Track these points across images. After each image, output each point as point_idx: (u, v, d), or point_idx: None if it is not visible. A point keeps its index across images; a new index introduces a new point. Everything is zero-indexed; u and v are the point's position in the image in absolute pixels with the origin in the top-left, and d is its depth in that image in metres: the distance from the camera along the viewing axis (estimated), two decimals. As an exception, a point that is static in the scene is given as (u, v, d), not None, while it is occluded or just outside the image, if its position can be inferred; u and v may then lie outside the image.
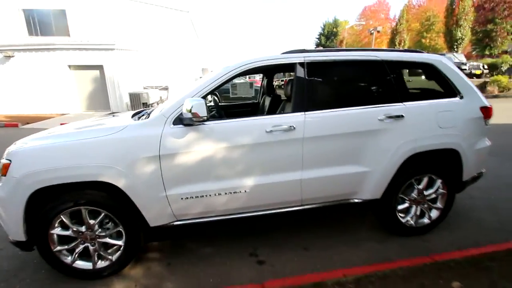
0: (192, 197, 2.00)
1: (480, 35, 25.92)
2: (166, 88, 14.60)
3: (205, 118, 1.85)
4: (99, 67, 13.03)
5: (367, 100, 2.25)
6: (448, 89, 2.42)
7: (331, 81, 2.30)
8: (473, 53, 28.50)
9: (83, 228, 1.97)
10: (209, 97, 3.54)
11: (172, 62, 16.45)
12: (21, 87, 12.61)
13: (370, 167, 2.23)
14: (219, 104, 3.95)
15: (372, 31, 23.15)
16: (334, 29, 40.74)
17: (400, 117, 2.20)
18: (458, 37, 21.48)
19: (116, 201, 1.93)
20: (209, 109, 2.63)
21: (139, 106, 11.93)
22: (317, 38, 42.65)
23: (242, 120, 2.05)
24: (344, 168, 2.20)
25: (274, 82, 3.71)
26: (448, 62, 2.45)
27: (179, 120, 1.93)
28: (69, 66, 12.91)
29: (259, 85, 4.55)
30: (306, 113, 2.10)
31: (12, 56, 12.37)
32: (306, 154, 2.10)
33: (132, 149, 1.86)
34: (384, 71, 2.26)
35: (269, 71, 3.48)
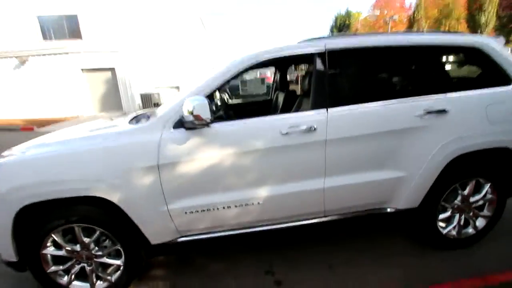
0: (198, 211, 1.74)
1: (504, 20, 24.25)
2: (177, 87, 14.51)
3: (209, 120, 1.57)
4: (111, 69, 13.12)
5: (401, 92, 1.90)
6: (498, 76, 2.01)
7: (358, 71, 1.96)
8: (497, 39, 26.70)
9: (77, 247, 1.75)
10: (217, 94, 3.28)
11: (182, 61, 16.32)
12: (36, 91, 12.87)
13: (406, 172, 1.89)
14: (229, 102, 3.68)
15: (388, 20, 22.12)
16: (347, 21, 39.49)
17: (442, 112, 1.84)
18: (482, 23, 20.12)
19: (112, 217, 1.70)
20: (216, 108, 2.37)
21: (150, 106, 11.90)
22: (329, 31, 41.54)
23: (253, 120, 1.76)
24: (375, 174, 1.87)
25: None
26: (496, 45, 2.05)
27: (180, 124, 1.67)
28: (82, 69, 13.06)
29: (271, 82, 4.22)
30: (329, 110, 1.78)
31: (27, 61, 12.63)
32: (329, 158, 1.78)
33: (127, 159, 1.61)
34: (421, 57, 1.90)
35: (283, 64, 3.16)
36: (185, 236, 1.81)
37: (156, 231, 1.74)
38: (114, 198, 1.61)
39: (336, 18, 40.69)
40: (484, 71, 2.12)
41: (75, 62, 12.78)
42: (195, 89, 1.74)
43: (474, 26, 20.74)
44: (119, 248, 1.76)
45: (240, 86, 12.08)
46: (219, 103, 2.62)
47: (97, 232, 1.73)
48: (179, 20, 16.09)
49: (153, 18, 14.58)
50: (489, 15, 19.87)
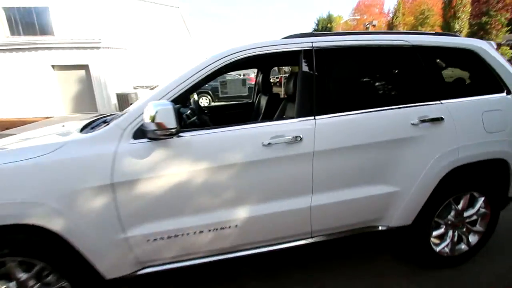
0: (163, 238, 1.45)
1: (475, 28, 25.62)
2: (157, 87, 13.90)
3: (174, 130, 1.30)
4: (85, 67, 12.31)
5: (396, 99, 1.73)
6: (493, 82, 1.90)
7: (349, 74, 1.76)
8: (468, 46, 28.15)
9: (12, 285, 1.41)
10: (195, 96, 2.98)
11: (163, 60, 15.77)
12: (3, 89, 11.85)
13: (400, 186, 1.71)
14: (210, 105, 3.39)
15: (368, 25, 22.66)
16: (329, 25, 40.23)
17: (438, 120, 1.68)
18: (456, 30, 21.09)
19: (56, 248, 1.37)
20: (193, 112, 2.09)
21: (127, 107, 11.25)
22: (311, 34, 42.01)
23: (230, 129, 1.50)
24: (367, 190, 1.68)
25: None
26: (491, 49, 1.93)
27: (142, 133, 1.38)
28: (53, 67, 12.19)
29: (254, 83, 3.95)
30: (317, 117, 1.56)
31: (-9, 57, 11.61)
32: (317, 173, 1.57)
33: (71, 177, 1.30)
34: (416, 59, 1.73)
35: (265, 63, 2.91)
36: (149, 267, 1.52)
37: (111, 264, 1.44)
38: (55, 226, 1.30)
39: (318, 21, 41.36)
40: (477, 76, 2.01)
41: (45, 59, 11.88)
42: (160, 90, 1.46)
43: (448, 33, 21.68)
44: (65, 285, 1.44)
45: (219, 88, 11.48)
46: (194, 107, 2.34)
47: (38, 267, 1.40)
48: (159, 18, 15.54)
49: (131, 15, 13.97)
50: (462, 23, 20.86)
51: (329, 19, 41.06)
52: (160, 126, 1.26)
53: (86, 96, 12.55)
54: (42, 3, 12.63)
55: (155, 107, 1.25)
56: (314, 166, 1.55)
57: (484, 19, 25.33)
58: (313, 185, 1.58)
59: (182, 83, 1.46)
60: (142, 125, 1.36)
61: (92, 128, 1.66)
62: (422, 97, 1.73)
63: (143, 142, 1.38)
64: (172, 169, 1.40)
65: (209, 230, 1.50)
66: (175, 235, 1.46)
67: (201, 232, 1.49)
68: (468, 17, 21.75)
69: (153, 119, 1.25)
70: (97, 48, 12.00)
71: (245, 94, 11.35)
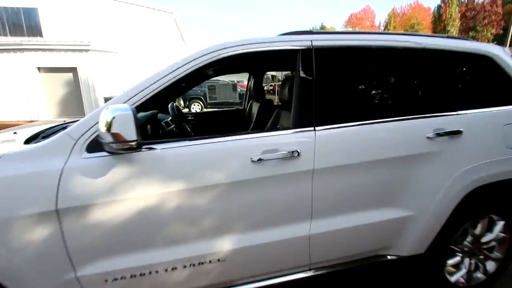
0: (125, 277, 1.15)
1: (463, 42, 26.49)
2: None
3: (134, 144, 1.01)
4: (73, 70, 11.92)
5: (406, 108, 1.49)
6: (510, 92, 1.70)
7: (354, 78, 1.52)
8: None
9: None
10: (181, 101, 2.70)
11: (155, 65, 15.48)
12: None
13: (413, 210, 1.46)
14: (194, 112, 3.11)
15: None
16: (322, 35, 40.93)
17: (456, 133, 1.45)
18: (445, 43, 21.66)
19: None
20: (172, 120, 1.81)
21: (115, 112, 10.85)
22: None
23: (212, 141, 1.23)
24: (375, 214, 1.42)
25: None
26: (507, 56, 1.74)
27: (98, 145, 1.09)
28: (39, 69, 11.74)
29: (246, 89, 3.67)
30: (317, 128, 1.31)
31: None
32: (317, 195, 1.30)
33: (4, 202, 1.00)
34: (428, 63, 1.51)
35: (257, 65, 2.65)
36: (107, 313, 1.21)
37: (56, 312, 1.13)
38: (-22, 266, 0.99)
39: (312, 32, 42.09)
40: (494, 85, 1.80)
41: (30, 60, 11.45)
42: (125, 93, 1.18)
43: (438, 46, 22.22)
44: None
45: (207, 93, 10.80)
46: (173, 114, 2.05)
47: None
48: (152, 23, 15.35)
49: (123, 18, 13.76)
50: (452, 36, 21.43)
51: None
52: (116, 137, 0.98)
53: (73, 99, 12.12)
54: (31, 4, 12.33)
55: (112, 113, 0.97)
56: (314, 187, 1.28)
57: (471, 34, 26.16)
58: (312, 209, 1.31)
59: (153, 84, 1.19)
60: (98, 135, 1.08)
61: (45, 137, 1.36)
62: (436, 107, 1.50)
63: (100, 156, 1.10)
64: (138, 191, 1.11)
65: (185, 266, 1.21)
66: (141, 274, 1.16)
67: (174, 269, 1.19)
68: (457, 31, 22.37)
69: (109, 127, 0.97)
70: (87, 50, 11.69)
71: (236, 101, 10.84)
